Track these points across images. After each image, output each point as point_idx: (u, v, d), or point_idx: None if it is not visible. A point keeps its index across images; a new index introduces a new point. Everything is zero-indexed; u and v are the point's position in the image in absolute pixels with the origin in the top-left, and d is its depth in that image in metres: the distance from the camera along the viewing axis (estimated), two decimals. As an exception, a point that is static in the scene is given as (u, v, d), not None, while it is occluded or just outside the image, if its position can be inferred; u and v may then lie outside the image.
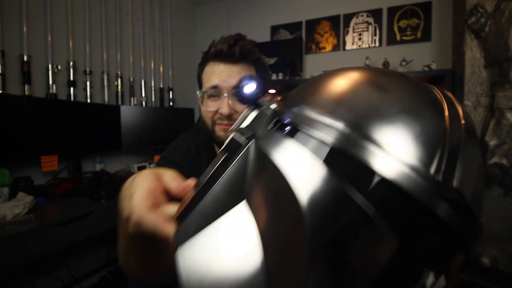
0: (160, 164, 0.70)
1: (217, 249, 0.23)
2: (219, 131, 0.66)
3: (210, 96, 0.66)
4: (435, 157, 0.19)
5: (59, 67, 1.57)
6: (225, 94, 0.63)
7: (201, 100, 0.69)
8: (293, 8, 2.53)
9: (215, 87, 0.63)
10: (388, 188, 0.18)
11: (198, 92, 0.70)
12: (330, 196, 0.18)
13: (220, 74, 0.63)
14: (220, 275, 0.22)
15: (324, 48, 2.42)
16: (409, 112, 0.20)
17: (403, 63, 1.89)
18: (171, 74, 2.53)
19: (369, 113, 0.20)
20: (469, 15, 1.63)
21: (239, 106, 0.63)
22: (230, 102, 0.62)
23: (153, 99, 2.33)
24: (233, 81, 0.62)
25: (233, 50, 0.62)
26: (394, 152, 0.18)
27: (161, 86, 2.42)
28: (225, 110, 0.62)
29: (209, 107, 0.65)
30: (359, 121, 0.20)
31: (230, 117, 0.63)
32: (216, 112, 0.64)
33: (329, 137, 0.19)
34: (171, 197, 0.30)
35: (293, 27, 2.52)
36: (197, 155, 0.73)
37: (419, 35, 2.11)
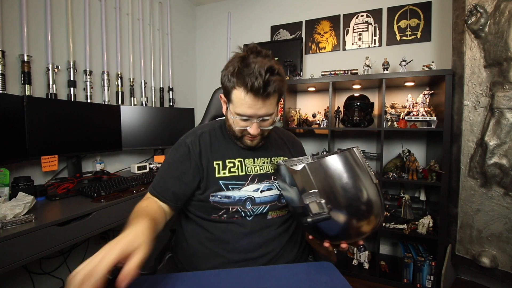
0: (177, 145, 0.86)
1: None
2: (247, 140, 0.81)
3: (241, 119, 0.76)
4: None
5: (59, 67, 1.57)
6: (255, 121, 0.75)
7: (227, 107, 0.80)
8: (293, 8, 2.53)
9: (248, 116, 0.74)
10: None
11: (230, 109, 0.77)
12: None
13: (253, 106, 0.72)
14: None
15: (324, 48, 2.42)
16: None
17: (403, 63, 1.89)
18: (171, 74, 2.53)
19: None
20: (469, 15, 1.63)
21: (263, 124, 0.77)
22: (258, 124, 0.76)
23: (153, 99, 2.33)
24: (263, 112, 0.74)
25: (268, 90, 0.70)
26: None
27: (161, 86, 2.42)
28: (254, 132, 0.76)
29: (240, 125, 0.78)
30: None
31: (256, 135, 0.78)
32: (245, 129, 0.78)
33: None
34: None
35: (293, 27, 2.53)
36: (209, 138, 0.86)
37: (419, 35, 2.12)
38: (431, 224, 1.81)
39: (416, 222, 1.84)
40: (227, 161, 0.82)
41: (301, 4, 2.49)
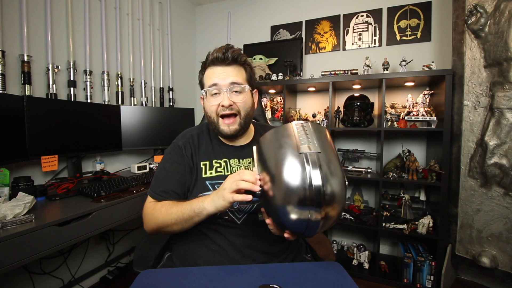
0: (170, 148, 0.89)
1: None
2: (222, 125, 0.82)
3: (212, 95, 0.81)
4: None
5: (59, 67, 1.57)
6: (224, 90, 0.79)
7: (204, 99, 0.85)
8: (293, 8, 2.53)
9: (215, 84, 0.79)
10: None
11: (202, 92, 0.85)
12: None
13: (218, 75, 0.79)
14: None
15: (324, 48, 2.42)
16: None
17: (403, 63, 1.89)
18: (171, 74, 2.53)
19: None
20: (469, 15, 1.63)
21: (236, 98, 0.80)
22: (228, 95, 0.79)
23: (153, 99, 2.33)
24: (229, 80, 0.79)
25: (226, 56, 0.78)
26: None
27: (161, 86, 2.42)
28: (226, 102, 0.78)
29: (212, 102, 0.81)
30: None
31: (231, 108, 0.80)
32: (219, 105, 0.80)
33: None
34: None
35: (293, 27, 2.53)
36: (198, 140, 0.89)
37: (419, 35, 2.12)
38: (431, 224, 1.81)
39: (416, 222, 1.84)
40: (213, 161, 0.85)
41: (301, 4, 2.49)
